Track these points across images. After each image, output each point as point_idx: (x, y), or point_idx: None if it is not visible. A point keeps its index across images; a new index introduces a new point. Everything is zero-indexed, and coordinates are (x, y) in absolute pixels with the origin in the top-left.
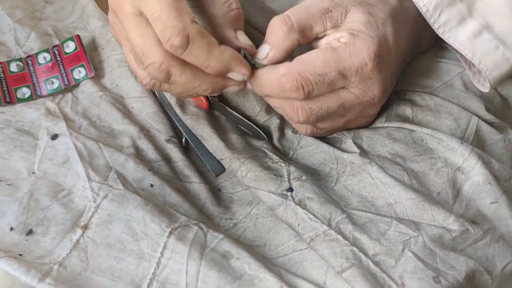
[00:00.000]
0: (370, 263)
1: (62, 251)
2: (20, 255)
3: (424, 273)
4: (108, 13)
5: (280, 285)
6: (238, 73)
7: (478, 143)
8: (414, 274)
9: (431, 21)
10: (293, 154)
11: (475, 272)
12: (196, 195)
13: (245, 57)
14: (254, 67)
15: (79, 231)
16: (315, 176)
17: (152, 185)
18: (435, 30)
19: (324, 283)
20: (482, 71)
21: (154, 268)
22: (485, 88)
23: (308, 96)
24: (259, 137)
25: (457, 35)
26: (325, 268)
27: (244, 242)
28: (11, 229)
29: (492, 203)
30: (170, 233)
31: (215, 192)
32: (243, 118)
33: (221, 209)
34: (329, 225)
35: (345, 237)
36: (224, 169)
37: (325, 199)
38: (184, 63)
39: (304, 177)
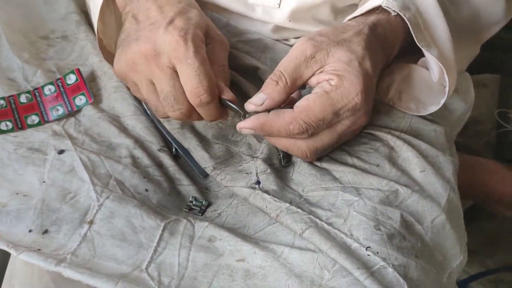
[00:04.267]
0: (324, 224)
1: (73, 244)
2: (39, 249)
3: (367, 224)
4: (134, 56)
5: (253, 250)
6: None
7: (412, 133)
8: (359, 226)
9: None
10: (263, 146)
11: (408, 223)
12: (186, 196)
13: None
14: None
15: (86, 226)
16: (278, 168)
17: (147, 190)
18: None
19: (293, 243)
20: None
21: (152, 254)
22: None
23: (311, 136)
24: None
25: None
26: (293, 234)
27: (227, 227)
28: (30, 231)
29: (421, 171)
30: (164, 227)
31: (203, 191)
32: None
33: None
34: (290, 203)
35: (303, 210)
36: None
37: (286, 191)
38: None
39: (269, 170)
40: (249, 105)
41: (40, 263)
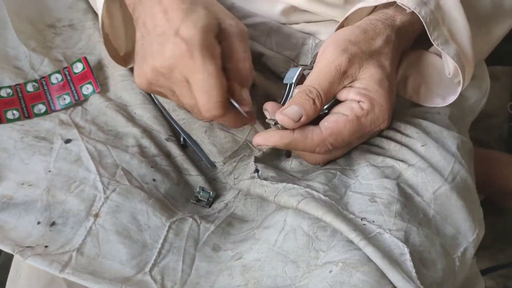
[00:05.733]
0: (321, 195)
1: (79, 238)
2: (46, 246)
3: (362, 199)
4: (151, 73)
5: (250, 246)
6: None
7: (417, 115)
8: (354, 202)
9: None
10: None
11: (407, 194)
12: (194, 186)
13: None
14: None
15: (91, 219)
16: (277, 161)
17: (154, 180)
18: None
19: (284, 220)
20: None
21: (156, 256)
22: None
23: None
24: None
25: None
26: (285, 212)
27: (235, 217)
28: (38, 223)
29: (422, 145)
30: (169, 227)
31: (211, 181)
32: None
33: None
34: (287, 183)
35: (300, 186)
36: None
37: (285, 176)
38: None
39: (268, 163)
40: (284, 118)
41: (46, 268)
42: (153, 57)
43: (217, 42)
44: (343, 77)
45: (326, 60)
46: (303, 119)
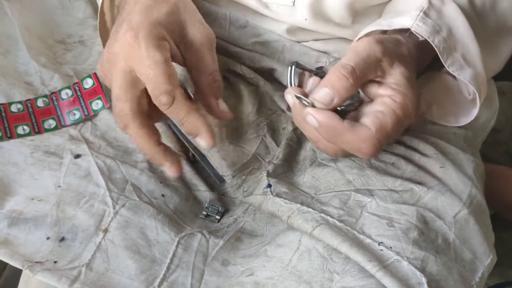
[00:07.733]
0: (336, 221)
1: (88, 254)
2: (55, 262)
3: (379, 222)
4: (105, 62)
5: (263, 264)
6: (203, 140)
7: (434, 134)
8: (371, 224)
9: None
10: (279, 150)
11: (426, 219)
12: (202, 201)
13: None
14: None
15: (101, 234)
16: (290, 173)
17: (163, 195)
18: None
19: (299, 240)
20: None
21: (165, 271)
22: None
23: None
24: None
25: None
26: (300, 232)
27: (244, 232)
28: (48, 238)
29: (441, 167)
30: (178, 242)
31: (220, 197)
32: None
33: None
34: (301, 204)
35: (314, 209)
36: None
37: (298, 193)
38: None
39: (280, 176)
40: (316, 103)
41: (55, 283)
42: (108, 44)
43: (179, 48)
44: (377, 65)
45: (362, 45)
46: (336, 102)
